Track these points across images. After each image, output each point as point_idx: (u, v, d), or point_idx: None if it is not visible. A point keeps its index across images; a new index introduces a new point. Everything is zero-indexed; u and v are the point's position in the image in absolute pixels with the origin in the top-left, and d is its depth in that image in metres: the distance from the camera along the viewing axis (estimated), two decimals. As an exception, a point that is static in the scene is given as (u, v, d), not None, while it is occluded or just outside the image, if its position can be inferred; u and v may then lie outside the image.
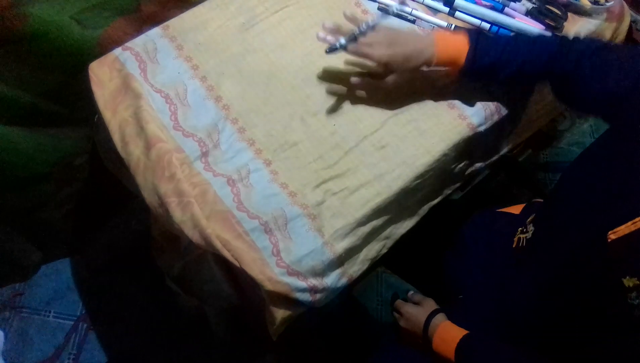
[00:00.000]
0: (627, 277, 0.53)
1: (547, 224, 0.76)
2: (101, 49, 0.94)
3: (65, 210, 1.22)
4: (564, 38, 0.74)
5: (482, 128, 0.86)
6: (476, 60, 0.74)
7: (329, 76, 0.85)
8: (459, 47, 0.75)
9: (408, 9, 0.93)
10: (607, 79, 0.65)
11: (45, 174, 1.09)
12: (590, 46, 0.71)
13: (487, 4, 0.94)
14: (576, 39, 0.74)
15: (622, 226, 0.54)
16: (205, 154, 0.78)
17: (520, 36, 0.77)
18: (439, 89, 0.84)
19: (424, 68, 0.77)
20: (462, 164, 0.89)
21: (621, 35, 1.01)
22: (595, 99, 0.68)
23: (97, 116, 0.87)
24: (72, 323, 1.33)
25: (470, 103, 0.83)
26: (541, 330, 0.71)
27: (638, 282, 0.52)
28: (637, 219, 0.53)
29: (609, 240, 0.55)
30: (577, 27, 0.95)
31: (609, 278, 0.55)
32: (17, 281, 1.34)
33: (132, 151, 0.79)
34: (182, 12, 0.91)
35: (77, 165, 1.16)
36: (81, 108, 1.06)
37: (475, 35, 0.76)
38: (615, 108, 0.65)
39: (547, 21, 0.93)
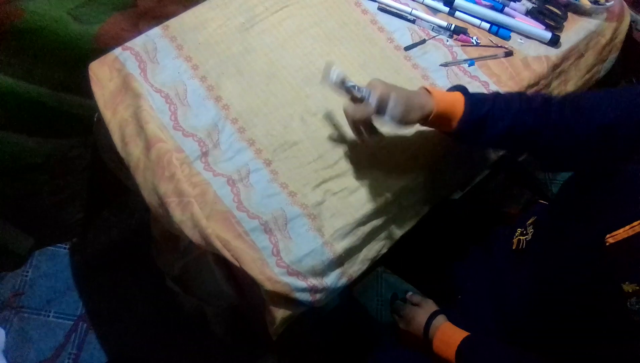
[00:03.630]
0: (627, 283, 0.53)
1: (547, 227, 0.76)
2: (98, 44, 0.94)
3: (58, 199, 1.22)
4: (545, 95, 0.73)
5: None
6: (473, 110, 0.70)
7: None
8: (455, 97, 0.72)
9: (408, 9, 0.93)
10: (593, 117, 0.65)
11: (40, 164, 1.09)
12: (568, 96, 0.71)
13: (487, 3, 0.94)
14: (552, 96, 0.73)
15: (621, 230, 0.54)
16: (205, 154, 0.78)
17: (503, 95, 0.75)
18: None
19: (419, 124, 0.73)
20: (462, 164, 0.89)
21: (621, 35, 1.01)
22: (585, 141, 0.66)
23: (97, 115, 0.87)
24: (72, 323, 1.33)
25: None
26: (540, 332, 0.71)
27: (637, 288, 0.52)
28: (635, 223, 0.53)
29: (607, 244, 0.55)
30: (577, 27, 0.95)
31: (608, 282, 0.55)
32: (9, 270, 1.34)
33: (132, 151, 0.79)
34: (178, 7, 0.91)
35: (72, 157, 1.16)
36: (79, 103, 1.06)
37: (464, 89, 0.74)
38: (606, 140, 0.64)
39: (547, 21, 0.93)
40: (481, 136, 0.72)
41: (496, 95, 0.73)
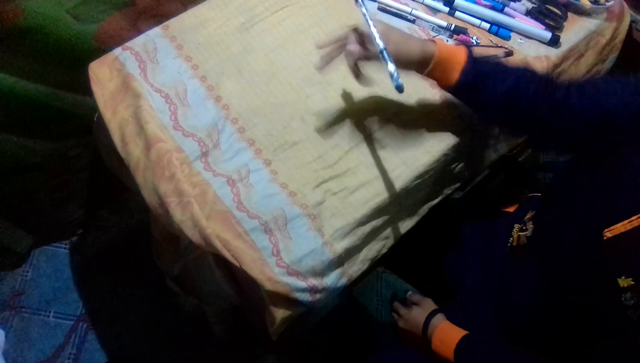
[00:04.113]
0: (623, 277, 0.53)
1: (546, 222, 0.76)
2: (97, 42, 0.94)
3: (58, 198, 1.23)
4: (551, 74, 0.74)
5: (482, 128, 0.86)
6: (475, 65, 0.71)
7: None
8: (457, 49, 0.72)
9: (408, 9, 0.93)
10: (598, 102, 0.65)
11: (39, 163, 1.09)
12: (573, 81, 0.71)
13: (487, 3, 0.94)
14: (557, 79, 0.74)
15: (619, 225, 0.54)
16: (205, 154, 0.78)
17: (506, 62, 0.75)
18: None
19: (420, 72, 0.73)
20: (462, 164, 0.89)
21: (621, 35, 1.01)
22: (587, 125, 0.67)
23: (97, 115, 0.87)
24: (72, 323, 1.33)
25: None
26: (538, 329, 0.71)
27: (632, 283, 0.52)
28: (633, 217, 0.53)
29: (605, 238, 0.55)
30: (577, 27, 0.95)
31: (605, 277, 0.55)
32: (8, 269, 1.35)
33: (132, 151, 0.79)
34: (176, 6, 0.91)
35: (71, 156, 1.16)
36: (78, 102, 1.06)
37: (469, 46, 0.74)
38: (607, 129, 0.64)
39: (547, 21, 0.93)
40: (481, 93, 0.71)
41: (499, 60, 0.74)
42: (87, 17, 0.92)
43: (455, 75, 0.70)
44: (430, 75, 0.72)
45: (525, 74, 0.71)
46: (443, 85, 0.73)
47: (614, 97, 0.64)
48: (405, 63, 0.70)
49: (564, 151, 0.76)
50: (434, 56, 0.70)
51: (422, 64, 0.71)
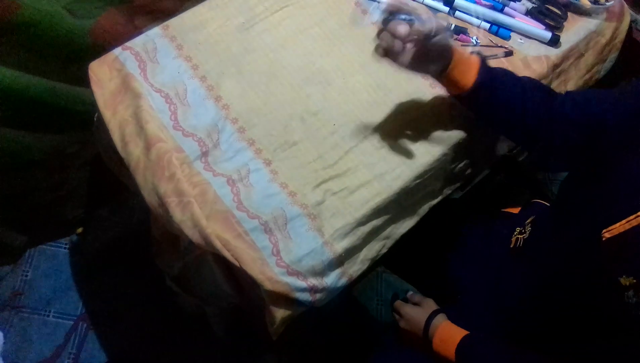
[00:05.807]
0: (624, 276, 0.53)
1: (545, 225, 0.77)
2: (93, 38, 0.94)
3: (57, 196, 1.23)
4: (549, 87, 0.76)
5: (481, 128, 0.86)
6: (489, 67, 0.72)
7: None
8: (471, 59, 0.73)
9: (408, 9, 0.93)
10: (588, 110, 0.68)
11: (38, 161, 1.09)
12: (568, 93, 0.74)
13: (487, 3, 0.94)
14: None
15: (617, 225, 0.54)
16: (205, 154, 0.78)
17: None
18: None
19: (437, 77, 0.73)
20: (462, 164, 0.89)
21: (621, 35, 1.01)
22: (579, 133, 0.69)
23: (97, 115, 0.87)
24: (72, 323, 1.33)
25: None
26: (539, 329, 0.71)
27: (634, 281, 0.52)
28: (631, 217, 0.53)
29: (604, 239, 0.55)
30: (577, 27, 0.95)
31: (605, 277, 0.56)
32: (3, 264, 1.35)
33: (132, 151, 0.79)
34: (173, 3, 0.90)
35: (70, 153, 1.16)
36: (76, 98, 1.06)
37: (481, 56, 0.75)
38: (599, 133, 0.65)
39: (547, 21, 0.93)
40: (495, 95, 0.72)
41: (506, 70, 0.75)
42: (83, 12, 0.92)
43: (472, 74, 0.71)
44: (450, 74, 0.71)
45: (531, 82, 0.74)
46: (460, 87, 0.73)
47: (602, 105, 0.66)
48: (434, 56, 0.69)
49: (562, 164, 0.77)
50: (454, 52, 0.70)
51: (444, 58, 0.70)
